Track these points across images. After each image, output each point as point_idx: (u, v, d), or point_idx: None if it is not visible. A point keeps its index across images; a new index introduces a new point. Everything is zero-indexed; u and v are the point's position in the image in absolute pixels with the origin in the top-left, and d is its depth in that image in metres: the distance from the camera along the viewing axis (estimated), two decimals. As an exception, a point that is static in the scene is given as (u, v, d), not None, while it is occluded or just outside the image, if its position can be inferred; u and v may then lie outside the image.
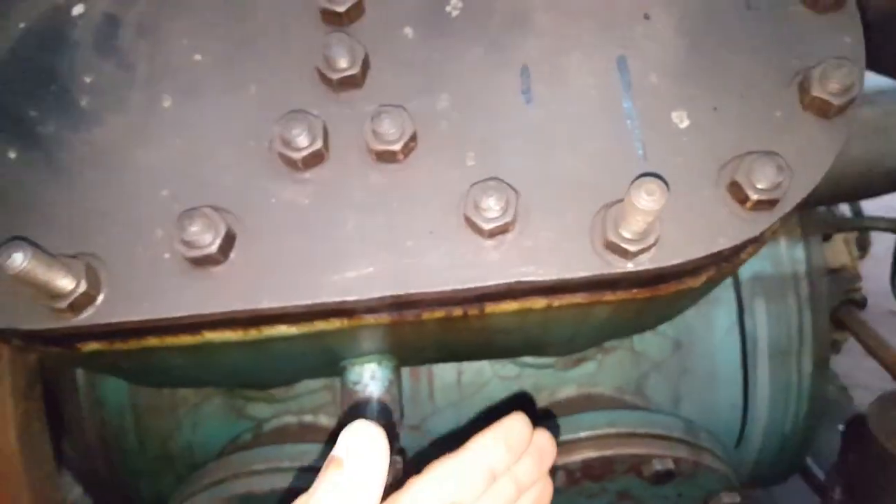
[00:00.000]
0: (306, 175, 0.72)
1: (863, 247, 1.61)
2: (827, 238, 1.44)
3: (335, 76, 0.73)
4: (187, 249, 0.67)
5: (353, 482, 0.53)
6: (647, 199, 0.60)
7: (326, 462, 0.54)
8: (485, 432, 0.62)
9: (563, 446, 0.98)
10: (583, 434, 1.00)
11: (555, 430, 0.67)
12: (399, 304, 0.71)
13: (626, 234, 0.66)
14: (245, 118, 0.74)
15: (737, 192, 0.69)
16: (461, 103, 0.74)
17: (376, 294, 0.68)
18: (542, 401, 1.16)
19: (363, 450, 0.54)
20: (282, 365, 0.90)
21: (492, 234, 0.68)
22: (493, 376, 1.14)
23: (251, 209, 0.71)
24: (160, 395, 1.22)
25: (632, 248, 0.66)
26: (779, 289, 1.18)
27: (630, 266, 0.68)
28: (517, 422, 0.64)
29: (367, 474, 0.54)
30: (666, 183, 0.67)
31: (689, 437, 1.03)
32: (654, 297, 0.74)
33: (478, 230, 0.68)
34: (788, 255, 1.19)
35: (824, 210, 1.43)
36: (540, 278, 0.68)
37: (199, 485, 1.03)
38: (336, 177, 0.72)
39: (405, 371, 1.14)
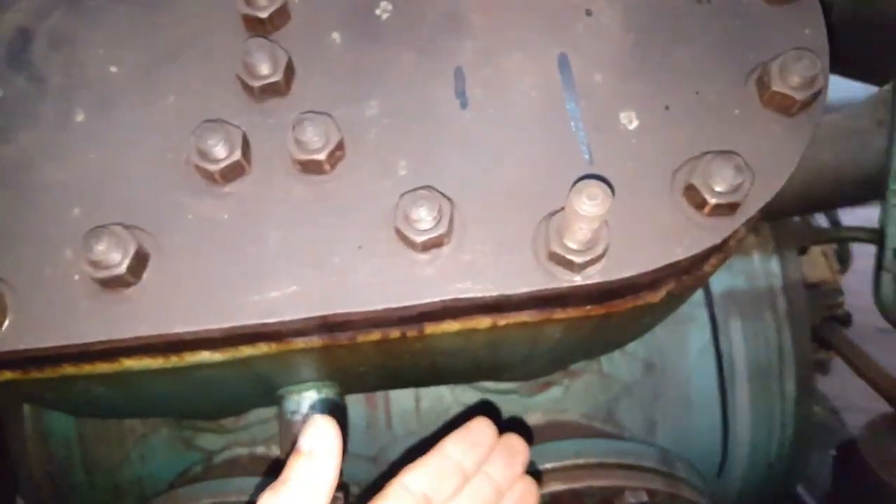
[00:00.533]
0: (226, 189, 0.67)
1: (843, 260, 1.55)
2: (803, 251, 1.39)
3: (256, 84, 0.68)
4: (95, 270, 0.62)
5: (315, 473, 0.56)
6: (589, 205, 0.55)
7: (294, 452, 0.57)
8: (449, 436, 0.66)
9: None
10: (549, 465, 0.94)
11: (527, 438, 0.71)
12: (328, 325, 0.65)
13: (571, 245, 0.61)
14: (162, 130, 0.70)
15: (693, 197, 0.63)
16: (392, 110, 0.69)
17: (301, 315, 0.63)
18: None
19: (320, 444, 0.57)
20: (215, 394, 0.85)
21: (425, 247, 0.63)
22: (453, 403, 1.08)
23: (167, 226, 0.66)
24: (107, 426, 1.17)
25: (578, 259, 0.61)
26: (754, 305, 1.12)
27: (578, 279, 0.62)
28: (478, 423, 0.68)
29: (322, 467, 0.57)
30: (610, 185, 0.62)
31: (665, 466, 0.97)
32: (610, 313, 0.68)
33: (410, 243, 0.63)
34: (763, 268, 1.13)
35: (799, 221, 1.38)
36: (479, 294, 0.63)
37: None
38: (258, 190, 0.67)
39: (360, 398, 1.09)
